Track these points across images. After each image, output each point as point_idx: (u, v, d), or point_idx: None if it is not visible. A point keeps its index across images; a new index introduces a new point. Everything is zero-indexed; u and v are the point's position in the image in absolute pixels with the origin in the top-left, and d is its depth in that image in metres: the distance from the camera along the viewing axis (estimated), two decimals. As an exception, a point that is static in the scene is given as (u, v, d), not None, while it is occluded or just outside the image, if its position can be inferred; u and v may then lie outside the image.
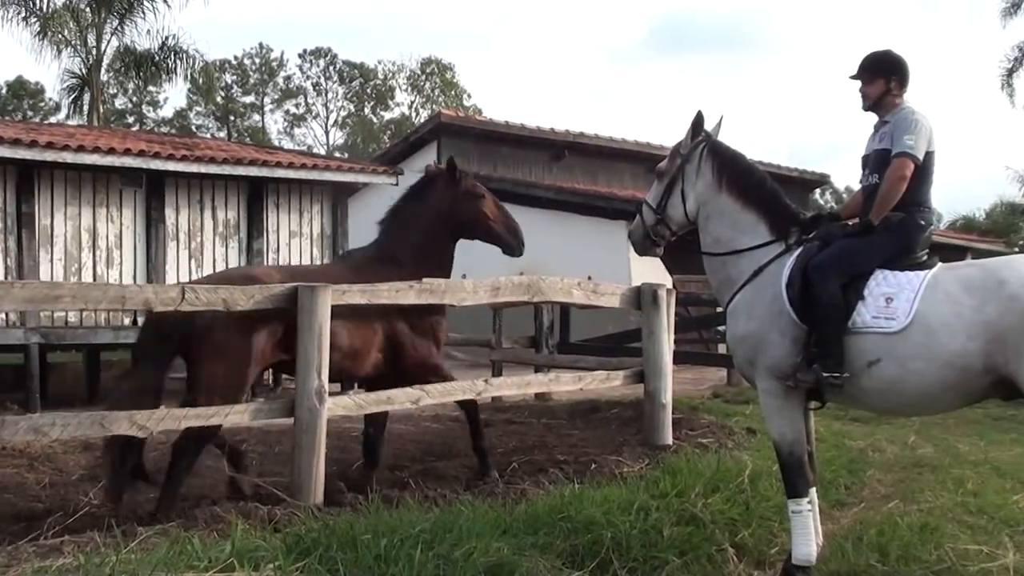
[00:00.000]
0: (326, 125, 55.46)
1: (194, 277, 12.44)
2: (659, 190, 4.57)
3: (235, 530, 3.92)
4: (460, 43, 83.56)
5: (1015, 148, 64.71)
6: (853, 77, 4.37)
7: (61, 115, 33.02)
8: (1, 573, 3.55)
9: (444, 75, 52.99)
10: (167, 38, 23.69)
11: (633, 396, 8.21)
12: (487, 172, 18.65)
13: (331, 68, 54.63)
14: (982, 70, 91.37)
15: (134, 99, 49.78)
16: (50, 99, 43.73)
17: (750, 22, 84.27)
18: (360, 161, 19.36)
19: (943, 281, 3.87)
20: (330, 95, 55.30)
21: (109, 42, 24.22)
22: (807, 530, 4.11)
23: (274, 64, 54.77)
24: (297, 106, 55.62)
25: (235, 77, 53.71)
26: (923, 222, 4.15)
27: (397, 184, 13.78)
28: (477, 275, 6.22)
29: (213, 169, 12.59)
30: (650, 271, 11.81)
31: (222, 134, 50.19)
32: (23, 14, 22.71)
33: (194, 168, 12.44)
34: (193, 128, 49.41)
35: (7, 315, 11.14)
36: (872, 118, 4.39)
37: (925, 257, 4.10)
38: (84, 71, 24.24)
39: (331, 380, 5.11)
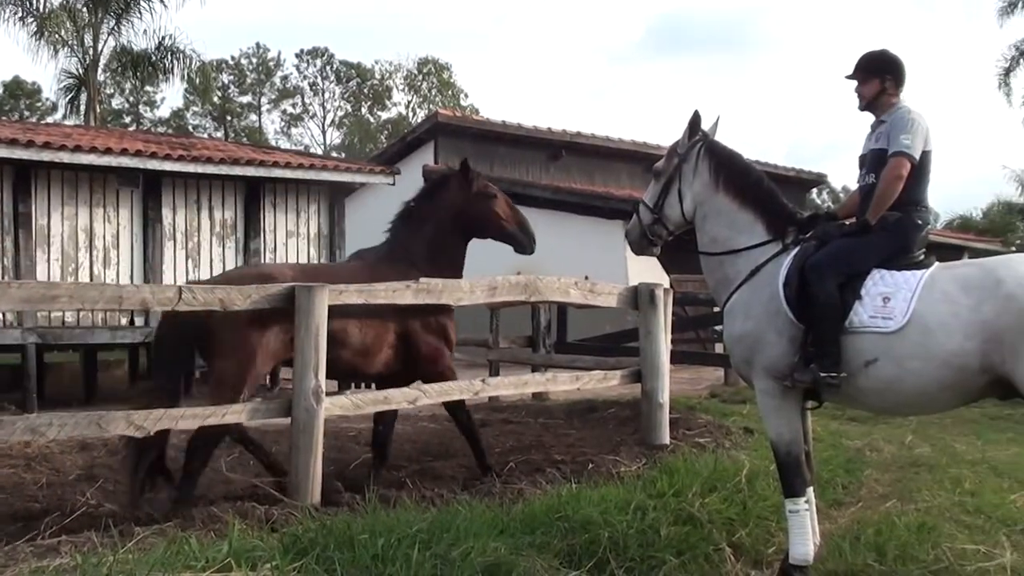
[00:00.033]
0: (323, 125, 55.53)
1: (191, 277, 12.46)
2: (656, 190, 4.57)
3: (232, 530, 3.93)
4: (458, 43, 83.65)
5: (1012, 147, 64.98)
6: (849, 77, 4.37)
7: (58, 115, 33.15)
8: (-2, 573, 3.56)
9: (441, 75, 52.96)
10: (164, 38, 23.75)
11: (630, 396, 8.20)
12: (484, 172, 18.55)
13: (328, 68, 54.66)
14: (979, 69, 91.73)
15: (131, 99, 49.71)
16: (47, 99, 43.85)
17: (748, 22, 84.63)
18: (357, 161, 19.36)
19: (940, 280, 3.88)
20: (327, 95, 55.38)
21: (106, 42, 24.25)
22: (804, 530, 4.12)
23: (271, 64, 54.75)
24: (294, 106, 55.63)
25: (232, 77, 53.69)
26: (920, 221, 4.15)
27: (394, 184, 13.80)
28: (473, 274, 6.22)
29: (210, 169, 12.58)
30: (647, 271, 11.77)
31: (219, 134, 50.11)
32: (20, 14, 22.70)
33: (191, 168, 12.43)
34: (190, 128, 49.36)
35: (4, 315, 11.15)
36: (869, 118, 4.39)
37: (922, 256, 4.09)
38: (81, 71, 24.21)
39: (342, 378, 5.13)
